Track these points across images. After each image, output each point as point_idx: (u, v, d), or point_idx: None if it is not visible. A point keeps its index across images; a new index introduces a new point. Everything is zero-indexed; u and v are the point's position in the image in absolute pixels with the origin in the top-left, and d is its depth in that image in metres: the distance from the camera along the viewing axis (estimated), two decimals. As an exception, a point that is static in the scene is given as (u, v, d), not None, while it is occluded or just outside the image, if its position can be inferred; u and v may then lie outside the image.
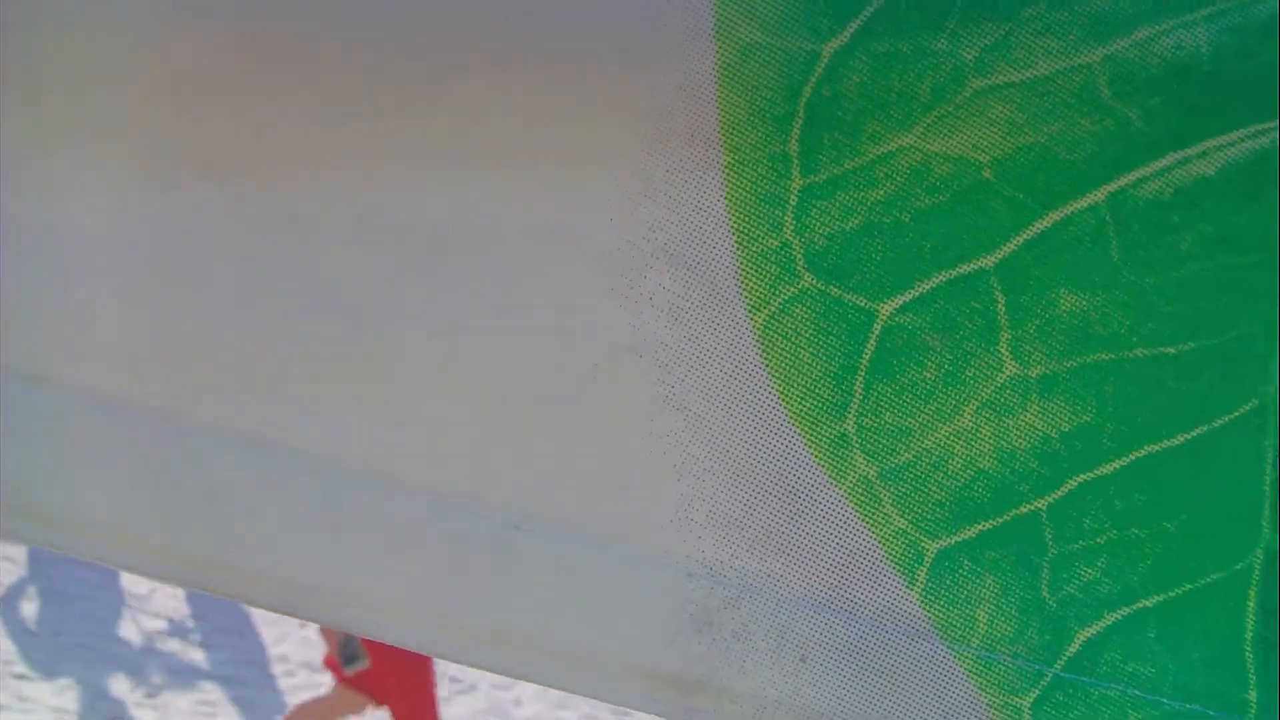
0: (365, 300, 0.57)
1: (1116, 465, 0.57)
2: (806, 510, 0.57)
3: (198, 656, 3.43)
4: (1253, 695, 0.58)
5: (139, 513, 0.61)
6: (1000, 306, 0.56)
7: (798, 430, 0.56)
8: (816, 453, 0.57)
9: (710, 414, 0.56)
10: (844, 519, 0.57)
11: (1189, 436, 0.57)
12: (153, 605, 3.44)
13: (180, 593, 3.40)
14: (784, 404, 0.56)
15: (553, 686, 0.59)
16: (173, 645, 3.44)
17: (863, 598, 0.57)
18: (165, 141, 0.57)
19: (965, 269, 0.56)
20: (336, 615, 0.60)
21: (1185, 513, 0.57)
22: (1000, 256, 0.56)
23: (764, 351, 0.56)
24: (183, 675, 3.34)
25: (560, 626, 0.58)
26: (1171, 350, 0.56)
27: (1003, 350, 0.56)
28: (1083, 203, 0.55)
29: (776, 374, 0.56)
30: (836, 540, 0.57)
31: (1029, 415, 0.57)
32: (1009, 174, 0.55)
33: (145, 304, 0.59)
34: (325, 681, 3.26)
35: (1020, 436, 0.57)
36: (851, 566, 0.57)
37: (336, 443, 0.58)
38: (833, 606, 0.58)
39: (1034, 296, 0.56)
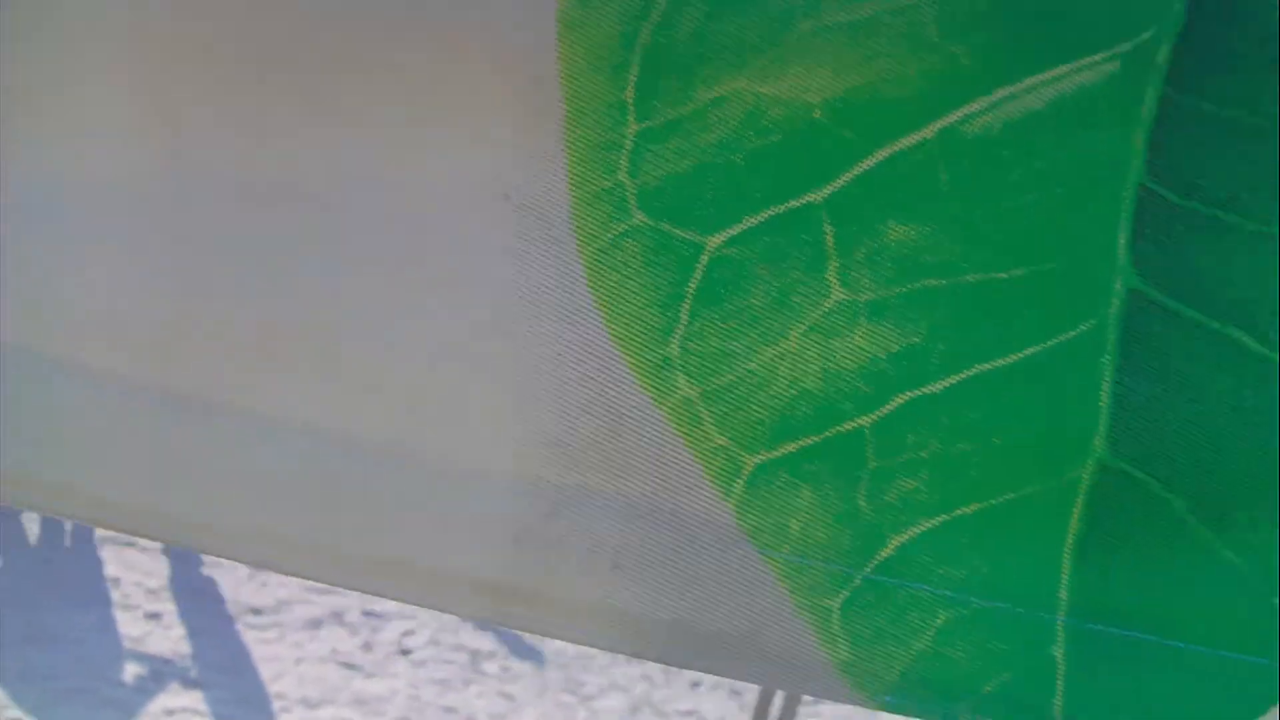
0: (239, 256, 0.61)
1: (945, 384, 0.59)
2: (627, 429, 0.60)
3: (194, 696, 3.44)
4: (1064, 595, 0.61)
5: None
6: (829, 237, 0.58)
7: (621, 354, 0.60)
8: (640, 376, 0.59)
9: (537, 341, 0.59)
10: (663, 437, 0.60)
11: (1022, 355, 0.59)
12: (148, 646, 3.45)
13: (177, 633, 3.42)
14: (608, 330, 0.59)
15: (379, 595, 0.63)
16: (169, 686, 3.45)
17: (677, 509, 0.61)
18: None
19: (794, 204, 0.58)
20: (179, 537, 0.64)
21: (1015, 429, 0.60)
22: (829, 192, 0.58)
23: (591, 281, 0.58)
24: (179, 715, 3.35)
25: (385, 538, 0.62)
26: (1004, 275, 0.58)
27: (831, 277, 0.58)
28: (912, 139, 0.57)
29: (603, 302, 0.58)
30: (655, 456, 0.60)
31: (856, 338, 0.59)
32: (839, 113, 0.57)
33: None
34: (321, 718, 3.28)
35: (847, 357, 0.59)
36: (668, 480, 0.60)
37: (163, 371, 0.61)
38: (647, 517, 0.61)
39: (863, 227, 0.58)
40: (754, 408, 0.60)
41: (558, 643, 3.70)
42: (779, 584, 0.61)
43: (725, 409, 0.60)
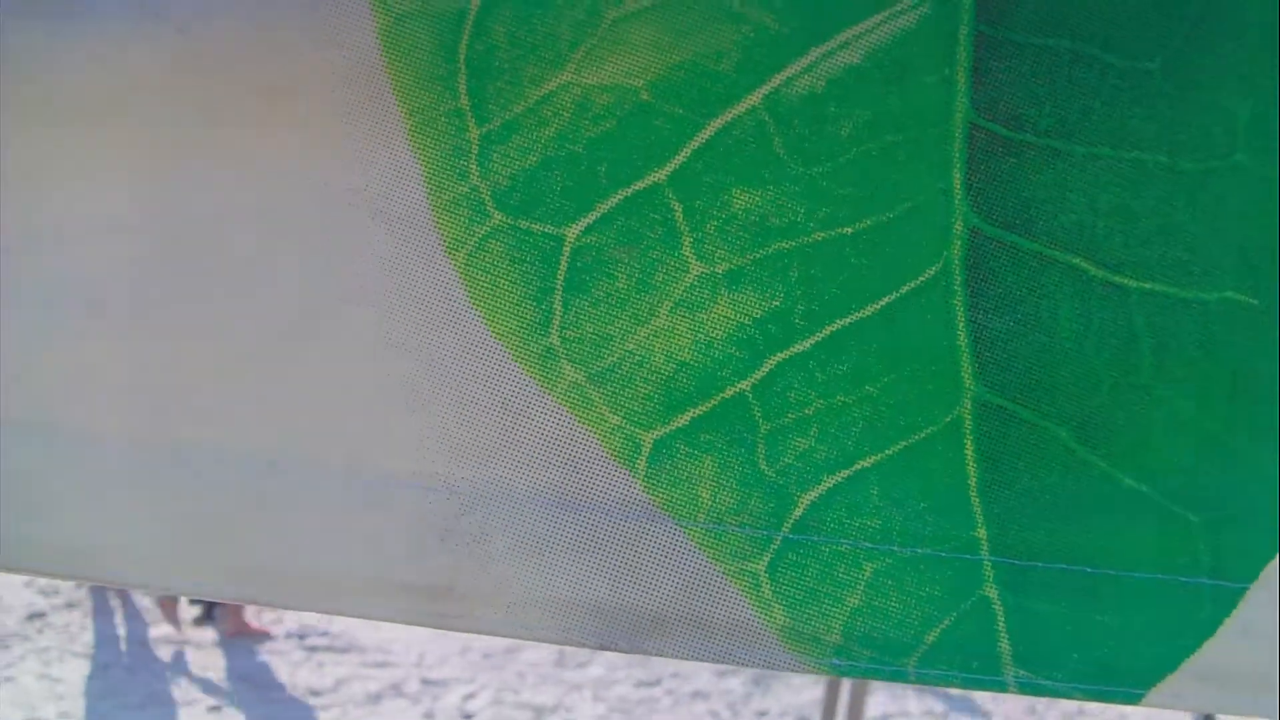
0: (113, 284, 0.65)
1: (812, 341, 0.63)
2: (525, 419, 0.63)
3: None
4: (982, 533, 0.63)
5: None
6: (678, 214, 0.62)
7: (506, 349, 0.63)
8: (527, 367, 0.63)
9: (426, 346, 0.63)
10: (561, 422, 0.63)
11: (879, 306, 0.62)
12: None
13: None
14: (490, 329, 0.62)
15: (315, 610, 0.65)
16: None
17: (589, 491, 0.64)
18: None
19: (640, 185, 0.62)
20: (119, 575, 0.67)
21: (887, 376, 0.63)
22: (671, 169, 0.61)
23: (467, 285, 0.62)
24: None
25: (315, 555, 0.65)
26: (849, 230, 0.62)
27: (687, 252, 0.62)
28: (741, 108, 0.61)
29: (480, 303, 0.62)
30: (557, 442, 0.63)
31: (721, 307, 0.63)
32: (665, 92, 0.61)
33: None
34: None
35: (715, 327, 0.63)
36: (574, 464, 0.63)
37: (98, 419, 0.65)
38: (562, 503, 0.64)
39: (709, 200, 0.62)
40: (639, 384, 0.63)
41: (621, 691, 3.70)
42: (702, 553, 0.64)
43: (614, 389, 0.63)
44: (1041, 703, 3.83)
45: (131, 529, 0.65)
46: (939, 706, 3.76)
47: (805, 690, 3.74)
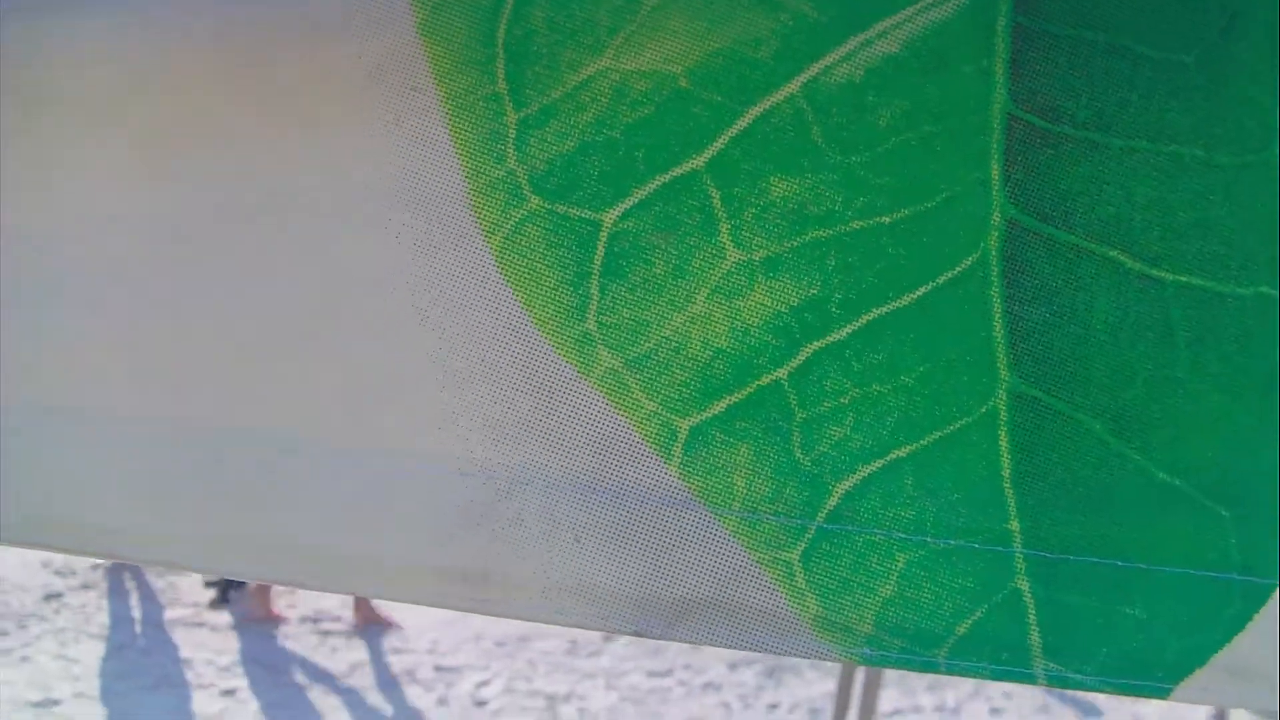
0: (147, 272, 0.66)
1: (848, 330, 0.63)
2: (561, 404, 0.63)
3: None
4: (1015, 525, 0.63)
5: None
6: (716, 200, 0.62)
7: (543, 335, 0.63)
8: (563, 352, 0.63)
9: (462, 329, 0.63)
10: (597, 408, 0.63)
11: (915, 296, 0.63)
12: (227, 723, 3.50)
13: (252, 707, 3.47)
14: (528, 312, 0.63)
15: (349, 593, 0.66)
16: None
17: (624, 477, 0.64)
18: None
19: (678, 171, 0.62)
20: (151, 555, 0.67)
21: (922, 366, 0.63)
22: (709, 156, 0.62)
23: (502, 269, 0.63)
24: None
25: (347, 536, 0.65)
26: (887, 219, 0.62)
27: (724, 239, 0.62)
28: (779, 96, 0.61)
29: (517, 287, 0.63)
30: (593, 428, 0.64)
31: (758, 295, 0.63)
32: (703, 79, 0.61)
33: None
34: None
35: (752, 315, 0.63)
36: (610, 450, 0.64)
37: (128, 397, 0.66)
38: (598, 488, 0.64)
39: (747, 188, 0.62)
40: (676, 371, 0.63)
41: (632, 680, 3.71)
42: (736, 541, 0.64)
43: (650, 375, 0.63)
44: (1054, 698, 3.83)
45: (162, 510, 0.66)
46: (951, 701, 3.77)
47: (817, 683, 3.75)
